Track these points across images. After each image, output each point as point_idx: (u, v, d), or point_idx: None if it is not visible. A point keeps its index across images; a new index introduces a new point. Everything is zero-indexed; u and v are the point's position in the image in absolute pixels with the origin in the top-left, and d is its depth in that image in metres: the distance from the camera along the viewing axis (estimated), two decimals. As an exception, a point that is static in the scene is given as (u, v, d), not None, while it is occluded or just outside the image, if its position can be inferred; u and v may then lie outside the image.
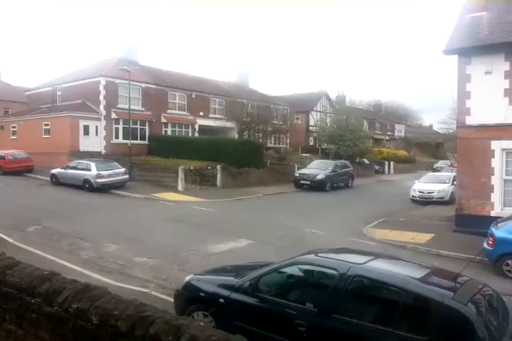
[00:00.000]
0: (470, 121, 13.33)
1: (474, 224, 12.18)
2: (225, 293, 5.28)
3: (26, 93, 33.93)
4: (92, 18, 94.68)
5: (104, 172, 20.39)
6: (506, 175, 12.99)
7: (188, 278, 6.09)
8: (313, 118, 42.57)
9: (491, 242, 9.46)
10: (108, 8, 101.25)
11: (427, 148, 45.72)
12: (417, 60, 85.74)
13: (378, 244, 11.80)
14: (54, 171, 21.92)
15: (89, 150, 26.09)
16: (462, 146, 13.82)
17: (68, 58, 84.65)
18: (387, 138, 45.14)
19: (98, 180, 20.07)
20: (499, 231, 9.44)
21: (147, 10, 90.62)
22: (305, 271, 5.32)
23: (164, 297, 7.04)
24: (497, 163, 12.95)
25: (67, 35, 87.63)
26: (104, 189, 20.10)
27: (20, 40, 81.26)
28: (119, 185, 20.95)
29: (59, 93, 30.12)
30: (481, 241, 9.82)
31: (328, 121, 38.00)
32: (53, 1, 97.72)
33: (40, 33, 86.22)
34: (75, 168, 21.18)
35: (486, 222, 10.96)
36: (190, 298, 5.69)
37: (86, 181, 20.32)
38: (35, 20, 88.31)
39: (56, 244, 10.46)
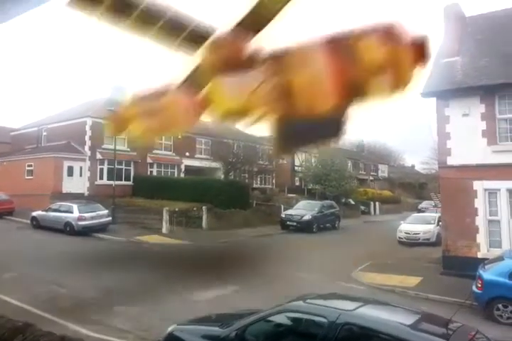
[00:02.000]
0: (451, 161, 13.61)
1: (462, 266, 12.03)
2: None
3: (11, 133, 33.79)
4: (80, 59, 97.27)
5: (86, 215, 19.89)
6: (490, 215, 13.04)
7: (170, 328, 5.77)
8: (299, 159, 43.09)
9: (479, 285, 9.26)
10: (96, 49, 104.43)
11: (411, 189, 46.31)
12: (396, 100, 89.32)
13: (367, 289, 11.55)
14: (34, 214, 21.31)
15: (73, 191, 25.62)
16: (445, 187, 13.98)
17: (55, 98, 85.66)
18: (371, 178, 45.67)
19: (80, 223, 19.53)
20: (487, 274, 9.29)
21: (133, 49, 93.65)
22: (293, 319, 5.14)
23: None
24: (480, 203, 13.04)
25: (54, 75, 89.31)
26: (85, 232, 19.48)
27: (7, 79, 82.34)
28: (102, 228, 20.38)
29: (44, 133, 30.07)
30: (469, 284, 9.62)
31: (313, 161, 38.46)
32: (40, 42, 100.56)
33: (27, 72, 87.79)
34: (56, 210, 20.65)
35: (474, 263, 10.83)
36: None
37: (67, 224, 19.72)
38: (23, 61, 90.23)
39: (32, 292, 9.88)
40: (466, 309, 8.20)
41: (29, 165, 26.97)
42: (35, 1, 2.25)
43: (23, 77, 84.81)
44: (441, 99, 13.85)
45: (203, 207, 23.44)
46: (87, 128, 27.13)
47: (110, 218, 20.93)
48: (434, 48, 15.55)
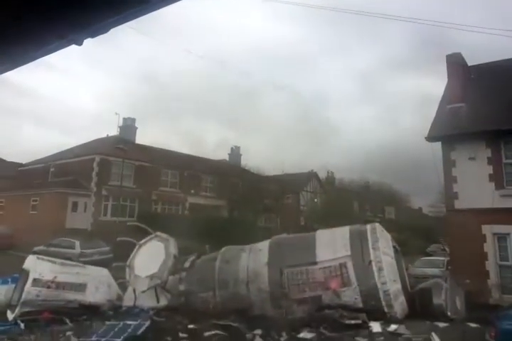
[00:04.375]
0: (459, 205, 13.43)
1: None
2: None
3: (19, 168, 34.15)
4: (90, 97, 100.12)
5: (88, 251, 19.63)
6: (500, 260, 12.69)
7: None
8: (304, 198, 42.94)
9: (493, 334, 8.81)
10: (104, 88, 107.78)
11: (418, 231, 45.49)
12: (400, 141, 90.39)
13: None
14: (36, 249, 21.03)
15: (76, 227, 25.45)
16: (453, 231, 13.71)
17: (65, 135, 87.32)
18: (378, 220, 45.11)
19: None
20: (502, 322, 8.86)
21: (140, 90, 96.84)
22: None
23: None
24: (489, 247, 12.74)
25: (65, 111, 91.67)
26: (86, 269, 19.08)
27: (21, 116, 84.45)
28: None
29: (52, 169, 30.38)
30: (483, 331, 9.11)
31: (318, 201, 38.30)
32: (50, 77, 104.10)
33: (36, 108, 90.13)
34: (58, 245, 20.43)
35: (486, 311, 10.37)
36: None
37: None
38: (34, 97, 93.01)
39: None
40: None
41: (34, 200, 27.02)
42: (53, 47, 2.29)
43: (35, 113, 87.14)
44: (446, 143, 13.93)
45: (207, 246, 23.04)
46: (95, 165, 27.43)
47: (112, 255, 20.61)
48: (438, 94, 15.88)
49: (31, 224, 24.94)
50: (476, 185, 13.17)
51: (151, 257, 11.59)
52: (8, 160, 42.31)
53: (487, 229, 12.80)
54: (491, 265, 12.56)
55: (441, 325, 8.85)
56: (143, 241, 12.59)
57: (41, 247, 20.86)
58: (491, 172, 13.18)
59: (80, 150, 30.77)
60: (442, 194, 19.78)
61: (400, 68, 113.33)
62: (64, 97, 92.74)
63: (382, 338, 7.79)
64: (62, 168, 29.24)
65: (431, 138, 14.05)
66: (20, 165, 34.92)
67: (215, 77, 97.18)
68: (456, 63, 15.62)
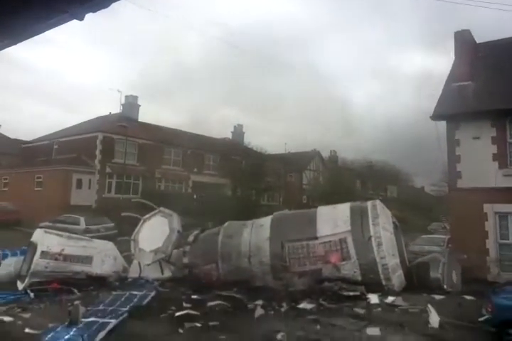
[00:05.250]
0: (461, 184, 13.48)
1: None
2: None
3: (23, 146, 34.26)
4: (94, 74, 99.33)
5: (92, 227, 19.94)
6: (501, 238, 12.84)
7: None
8: (307, 177, 43.06)
9: (490, 309, 9.02)
10: (111, 65, 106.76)
11: (420, 210, 45.74)
12: (405, 121, 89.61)
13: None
14: (42, 225, 21.34)
15: (80, 203, 25.75)
16: (455, 209, 13.82)
17: (69, 112, 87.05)
18: (380, 198, 45.09)
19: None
20: (498, 297, 9.06)
21: (146, 67, 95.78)
22: None
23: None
24: (490, 226, 12.86)
25: (68, 86, 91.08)
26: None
27: (19, 91, 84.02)
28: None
29: (55, 147, 30.45)
30: (478, 306, 9.35)
31: (321, 180, 38.40)
32: (54, 54, 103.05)
33: (39, 85, 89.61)
34: (63, 221, 20.72)
35: (483, 286, 10.58)
36: None
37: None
38: (35, 72, 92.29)
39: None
40: (475, 332, 7.97)
41: (38, 177, 27.24)
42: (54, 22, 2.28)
43: (38, 89, 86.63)
44: (451, 122, 13.84)
45: (209, 223, 23.34)
46: (98, 142, 27.48)
47: (116, 231, 20.93)
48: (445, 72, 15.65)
49: (36, 201, 25.26)
50: (479, 165, 13.17)
51: (155, 232, 11.82)
52: (12, 137, 42.53)
53: (489, 208, 12.89)
54: (491, 243, 12.72)
55: (438, 297, 9.10)
56: (147, 216, 12.81)
57: (47, 223, 21.17)
58: (495, 151, 13.15)
59: (83, 127, 30.75)
60: (445, 173, 19.85)
61: (406, 45, 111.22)
62: (65, 73, 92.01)
63: (379, 309, 8.01)
64: (65, 146, 29.32)
65: (436, 116, 13.94)
66: (24, 142, 35.01)
67: (219, 53, 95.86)
68: (464, 40, 15.33)
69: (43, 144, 31.38)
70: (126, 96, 32.89)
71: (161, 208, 12.88)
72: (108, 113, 33.73)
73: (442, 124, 14.26)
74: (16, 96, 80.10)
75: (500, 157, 13.00)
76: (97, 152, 27.48)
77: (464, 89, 14.47)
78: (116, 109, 33.90)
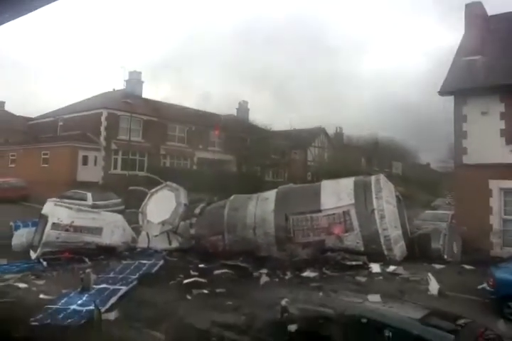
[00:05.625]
0: (467, 160, 13.43)
1: (477, 269, 11.90)
2: None
3: (29, 123, 34.34)
4: (97, 50, 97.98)
5: (100, 203, 20.18)
6: (505, 214, 12.90)
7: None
8: (312, 154, 43.02)
9: (491, 283, 9.19)
10: (115, 41, 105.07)
11: (425, 186, 45.77)
12: (412, 97, 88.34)
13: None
14: (49, 200, 21.65)
15: (87, 180, 25.99)
16: (460, 185, 13.84)
17: (73, 89, 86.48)
18: (385, 175, 44.95)
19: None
20: (500, 272, 9.21)
21: (151, 42, 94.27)
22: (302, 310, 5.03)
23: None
24: (495, 202, 12.88)
25: (71, 65, 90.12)
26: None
27: (24, 68, 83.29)
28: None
29: (60, 123, 30.50)
30: (481, 281, 9.56)
31: (326, 157, 38.34)
32: (61, 32, 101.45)
33: (44, 62, 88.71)
34: (70, 197, 20.94)
35: (486, 261, 10.75)
36: None
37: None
38: (40, 50, 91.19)
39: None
40: (476, 305, 8.19)
41: (45, 154, 27.43)
42: None
43: (40, 66, 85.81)
44: (459, 97, 13.65)
45: (215, 198, 23.57)
46: (103, 119, 27.46)
47: (123, 206, 21.20)
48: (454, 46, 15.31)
49: (43, 177, 25.51)
50: (486, 140, 13.07)
51: (162, 205, 12.06)
52: (17, 114, 42.58)
53: (494, 184, 12.87)
54: (495, 219, 12.77)
55: (438, 266, 9.32)
56: (154, 189, 13.02)
57: (54, 199, 21.41)
58: (503, 127, 13.01)
59: (87, 104, 30.63)
60: (452, 149, 19.76)
61: (414, 17, 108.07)
62: (64, 49, 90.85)
63: (380, 278, 8.23)
64: (70, 122, 29.33)
65: (444, 92, 13.76)
66: (30, 119, 35.06)
67: (221, 26, 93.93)
68: (475, 13, 14.93)
69: (48, 121, 31.41)
70: (130, 72, 32.60)
71: (168, 182, 13.07)
72: (112, 89, 33.59)
73: (450, 100, 14.11)
74: (15, 71, 79.46)
75: (508, 133, 12.88)
76: (102, 129, 27.50)
77: (474, 64, 14.19)
78: (119, 85, 33.67)
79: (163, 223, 11.49)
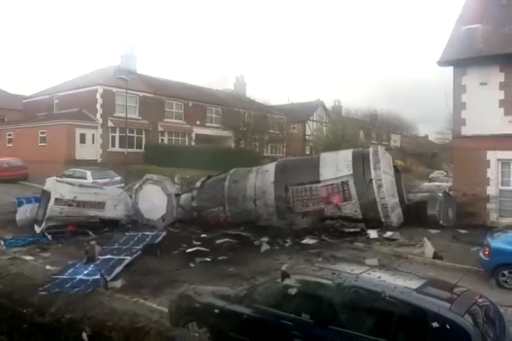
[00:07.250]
0: (465, 131, 13.42)
1: (470, 233, 12.15)
2: (220, 303, 5.09)
3: (23, 101, 33.88)
4: (90, 25, 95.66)
5: (100, 181, 20.21)
6: (502, 185, 13.02)
7: (183, 288, 5.98)
8: (310, 128, 42.84)
9: (487, 252, 9.34)
10: (107, 16, 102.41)
11: (423, 158, 45.89)
12: (411, 68, 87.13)
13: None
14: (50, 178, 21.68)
15: (85, 158, 25.94)
16: (458, 156, 13.89)
17: (66, 66, 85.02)
18: (384, 148, 44.74)
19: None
20: (495, 242, 9.37)
21: (144, 17, 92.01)
22: (301, 282, 5.11)
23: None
24: (493, 173, 12.96)
25: (64, 42, 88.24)
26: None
27: (18, 46, 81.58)
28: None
29: (56, 101, 30.10)
30: (477, 251, 9.76)
31: (324, 130, 38.20)
32: (51, 9, 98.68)
33: (37, 39, 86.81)
34: (70, 176, 20.89)
35: (482, 231, 10.94)
36: (185, 308, 5.40)
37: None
38: (34, 27, 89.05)
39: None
40: (472, 275, 8.40)
41: (42, 133, 27.20)
42: None
43: (35, 43, 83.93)
44: (458, 67, 13.47)
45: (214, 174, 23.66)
46: (98, 96, 27.10)
47: (123, 184, 21.26)
48: (454, 15, 14.95)
49: (41, 156, 25.41)
50: (484, 111, 12.98)
51: (153, 201, 11.92)
52: (12, 92, 41.99)
53: (492, 155, 12.90)
54: (492, 190, 12.88)
55: (433, 231, 9.54)
56: (137, 185, 12.82)
57: (54, 178, 21.41)
58: (502, 97, 12.91)
59: (82, 81, 30.08)
60: (450, 121, 19.71)
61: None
62: (55, 24, 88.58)
63: (378, 243, 8.44)
64: (66, 100, 28.93)
65: (443, 62, 13.57)
66: (24, 97, 34.58)
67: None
68: (476, -22, 14.55)
69: (44, 99, 30.98)
70: (124, 48, 31.95)
71: (148, 175, 12.90)
72: (106, 66, 32.97)
73: (449, 71, 13.96)
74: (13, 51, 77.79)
75: (507, 103, 12.79)
76: (98, 106, 27.19)
77: (473, 33, 13.92)
78: (114, 61, 33.02)
79: (163, 218, 11.56)
